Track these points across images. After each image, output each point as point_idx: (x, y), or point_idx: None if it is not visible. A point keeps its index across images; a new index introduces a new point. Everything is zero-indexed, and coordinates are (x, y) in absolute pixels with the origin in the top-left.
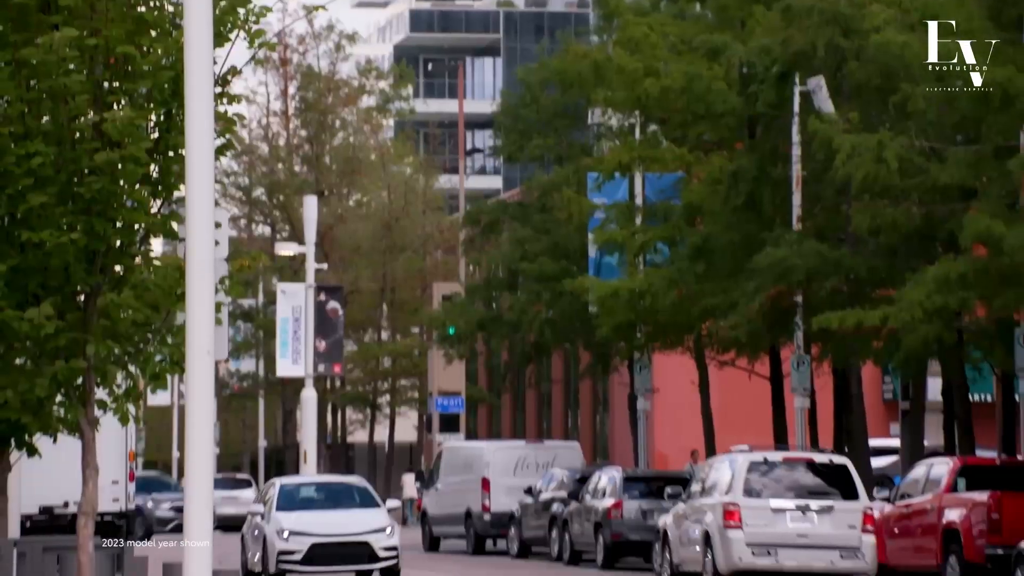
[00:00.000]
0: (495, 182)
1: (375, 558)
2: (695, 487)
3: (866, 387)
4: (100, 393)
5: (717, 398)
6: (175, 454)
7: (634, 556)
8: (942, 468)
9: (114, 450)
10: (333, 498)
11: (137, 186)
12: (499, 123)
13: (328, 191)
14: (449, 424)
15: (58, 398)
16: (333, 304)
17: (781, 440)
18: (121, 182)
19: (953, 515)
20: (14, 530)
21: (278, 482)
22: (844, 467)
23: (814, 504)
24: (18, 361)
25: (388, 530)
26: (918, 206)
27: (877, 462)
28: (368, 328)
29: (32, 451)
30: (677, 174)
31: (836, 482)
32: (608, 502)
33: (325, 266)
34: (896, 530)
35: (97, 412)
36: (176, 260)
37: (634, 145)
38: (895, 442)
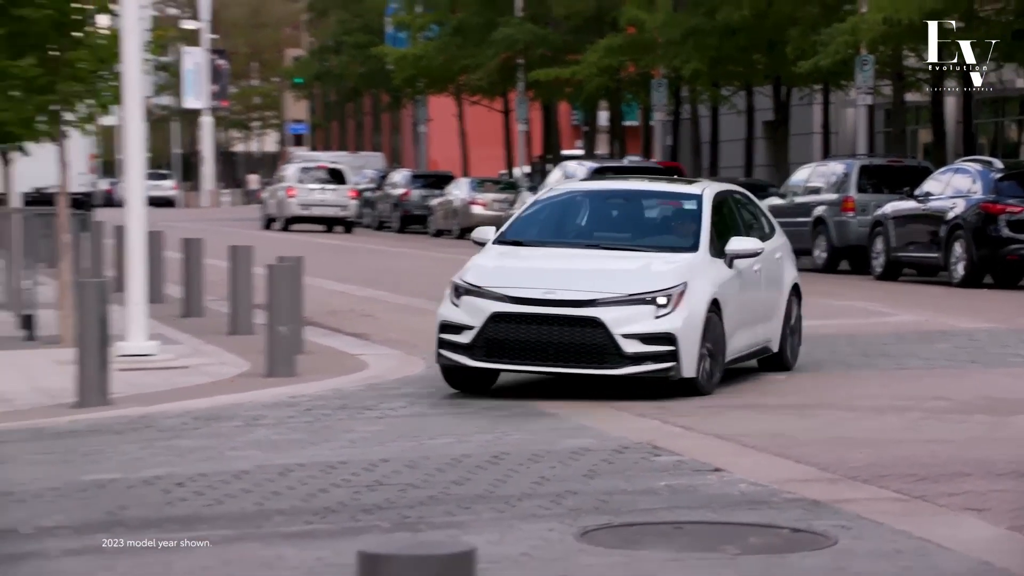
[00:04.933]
0: None
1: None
2: (276, 179)
3: (561, 117)
4: (69, 116)
5: (469, 125)
6: (118, 157)
7: (417, 224)
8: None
9: (80, 152)
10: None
11: None
12: None
13: None
14: (298, 140)
15: (41, 118)
16: (221, 61)
17: (508, 151)
18: None
19: None
20: (18, 202)
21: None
22: (341, 170)
23: (328, 186)
24: (14, 94)
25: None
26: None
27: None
28: (245, 78)
29: (25, 152)
30: None
31: (338, 175)
32: (401, 191)
33: (217, 36)
34: None
35: (67, 128)
36: (115, 30)
37: None
38: (580, 152)
